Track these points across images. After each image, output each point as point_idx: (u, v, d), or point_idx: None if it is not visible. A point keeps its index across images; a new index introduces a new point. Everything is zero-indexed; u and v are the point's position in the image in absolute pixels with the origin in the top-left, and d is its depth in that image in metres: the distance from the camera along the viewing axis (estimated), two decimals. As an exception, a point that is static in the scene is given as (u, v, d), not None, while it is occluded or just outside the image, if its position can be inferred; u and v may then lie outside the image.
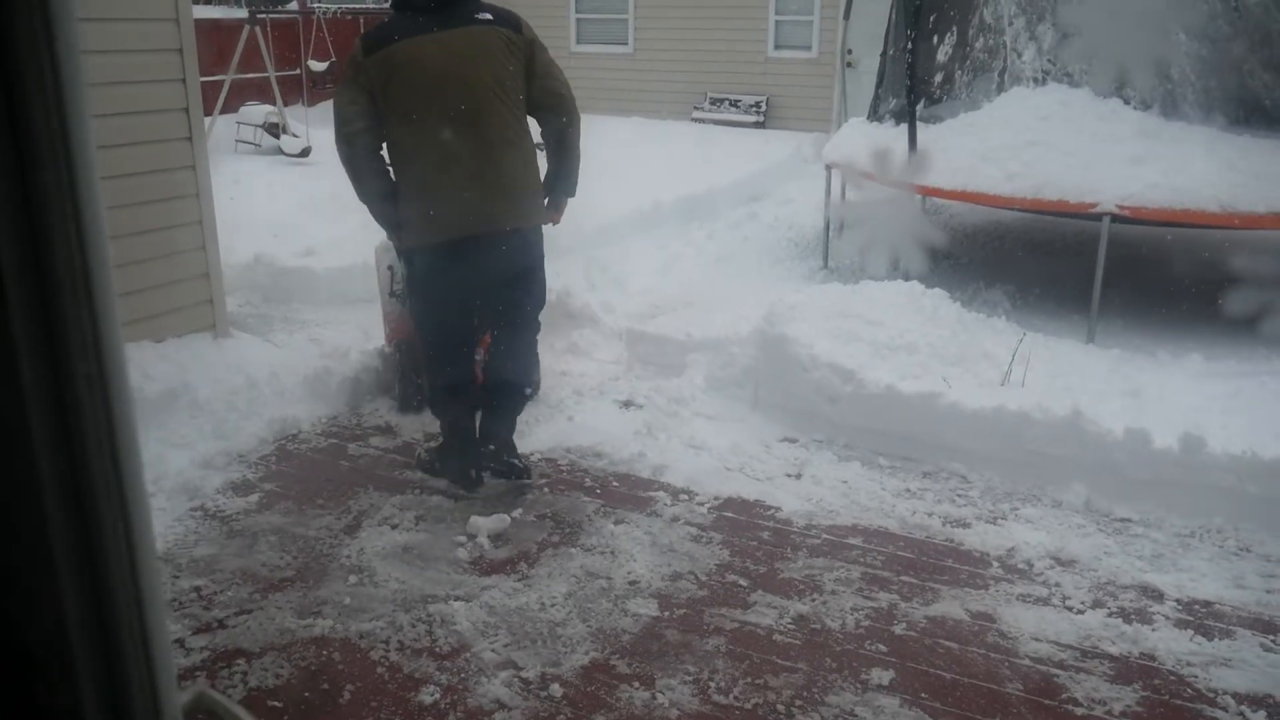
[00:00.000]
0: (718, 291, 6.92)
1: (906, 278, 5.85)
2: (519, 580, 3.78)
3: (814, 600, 3.67)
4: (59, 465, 0.62)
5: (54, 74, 0.61)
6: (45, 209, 0.60)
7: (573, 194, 4.48)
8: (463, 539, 4.05)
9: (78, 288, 0.61)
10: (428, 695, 3.12)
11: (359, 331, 6.55)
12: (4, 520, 0.62)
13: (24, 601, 0.62)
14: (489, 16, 4.08)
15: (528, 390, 4.69)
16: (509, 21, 4.13)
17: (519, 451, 4.55)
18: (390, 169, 4.14)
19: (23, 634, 0.62)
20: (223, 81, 12.13)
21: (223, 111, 12.23)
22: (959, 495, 4.52)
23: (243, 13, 14.73)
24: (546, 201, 4.40)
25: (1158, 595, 3.73)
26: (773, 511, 4.33)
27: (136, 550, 0.62)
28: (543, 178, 4.38)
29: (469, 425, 4.47)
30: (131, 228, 5.03)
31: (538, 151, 4.31)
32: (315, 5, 16.15)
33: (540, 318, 4.56)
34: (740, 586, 3.76)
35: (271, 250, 7.43)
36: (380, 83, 3.96)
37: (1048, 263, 7.85)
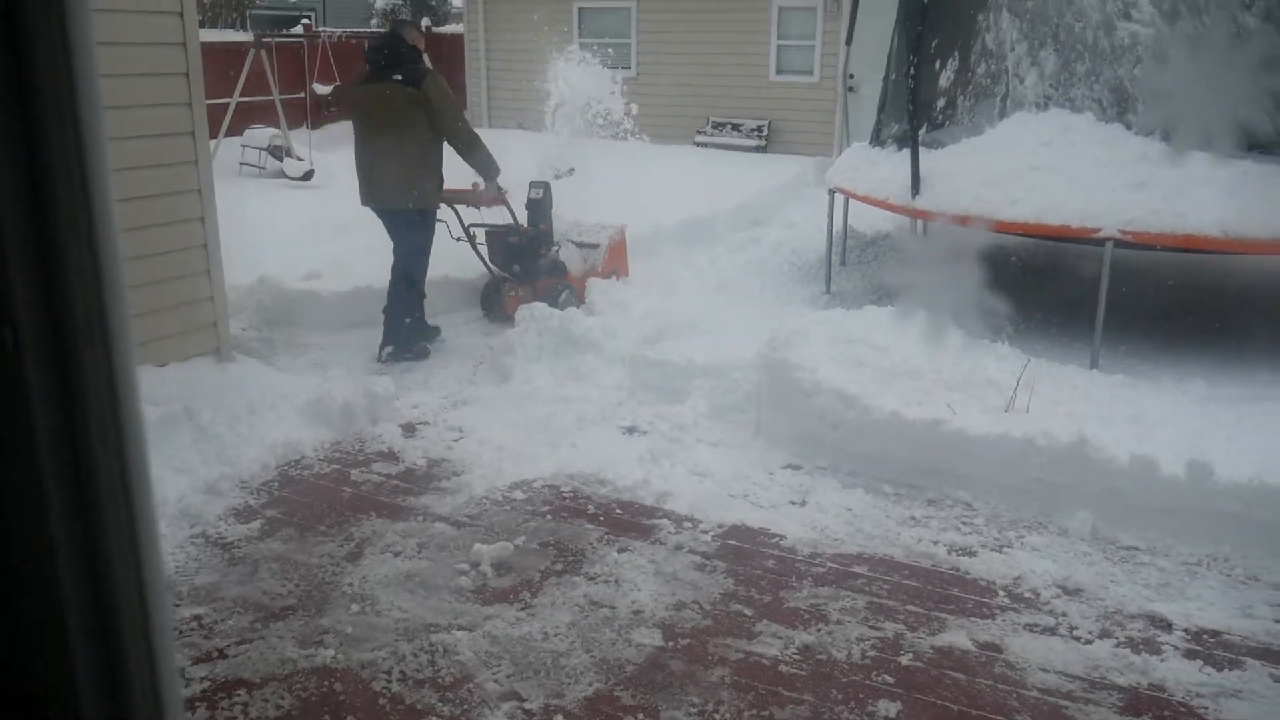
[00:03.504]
0: (720, 316, 6.91)
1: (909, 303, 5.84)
2: (522, 609, 3.76)
3: (819, 630, 3.65)
4: (72, 518, 0.61)
5: (74, 118, 0.61)
6: (62, 258, 0.59)
7: (490, 178, 6.66)
8: (465, 567, 4.03)
9: (94, 334, 0.60)
10: (430, 727, 3.10)
11: (363, 355, 6.55)
12: (16, 571, 0.61)
13: (32, 643, 0.61)
14: (399, 77, 6.21)
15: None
16: (412, 81, 6.19)
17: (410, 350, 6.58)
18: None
19: (31, 678, 0.61)
20: (228, 104, 12.19)
21: (227, 134, 12.28)
22: (964, 523, 4.50)
23: (248, 36, 14.81)
24: (477, 185, 6.75)
25: (1166, 625, 3.71)
26: (777, 539, 4.31)
27: (150, 616, 0.61)
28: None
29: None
30: (136, 251, 5.03)
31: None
32: (320, 30, 16.24)
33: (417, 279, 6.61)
34: (745, 616, 3.73)
35: (275, 273, 7.43)
36: (349, 110, 6.71)
37: (1050, 287, 7.85)
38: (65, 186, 0.60)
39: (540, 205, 7.19)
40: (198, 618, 3.67)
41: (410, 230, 6.46)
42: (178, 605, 3.74)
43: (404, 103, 6.19)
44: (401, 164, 6.26)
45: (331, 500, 4.64)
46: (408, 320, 6.60)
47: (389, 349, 6.55)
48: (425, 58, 6.48)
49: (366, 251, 7.70)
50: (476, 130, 6.73)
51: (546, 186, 7.29)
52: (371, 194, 6.43)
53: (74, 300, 0.60)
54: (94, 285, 0.61)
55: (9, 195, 0.57)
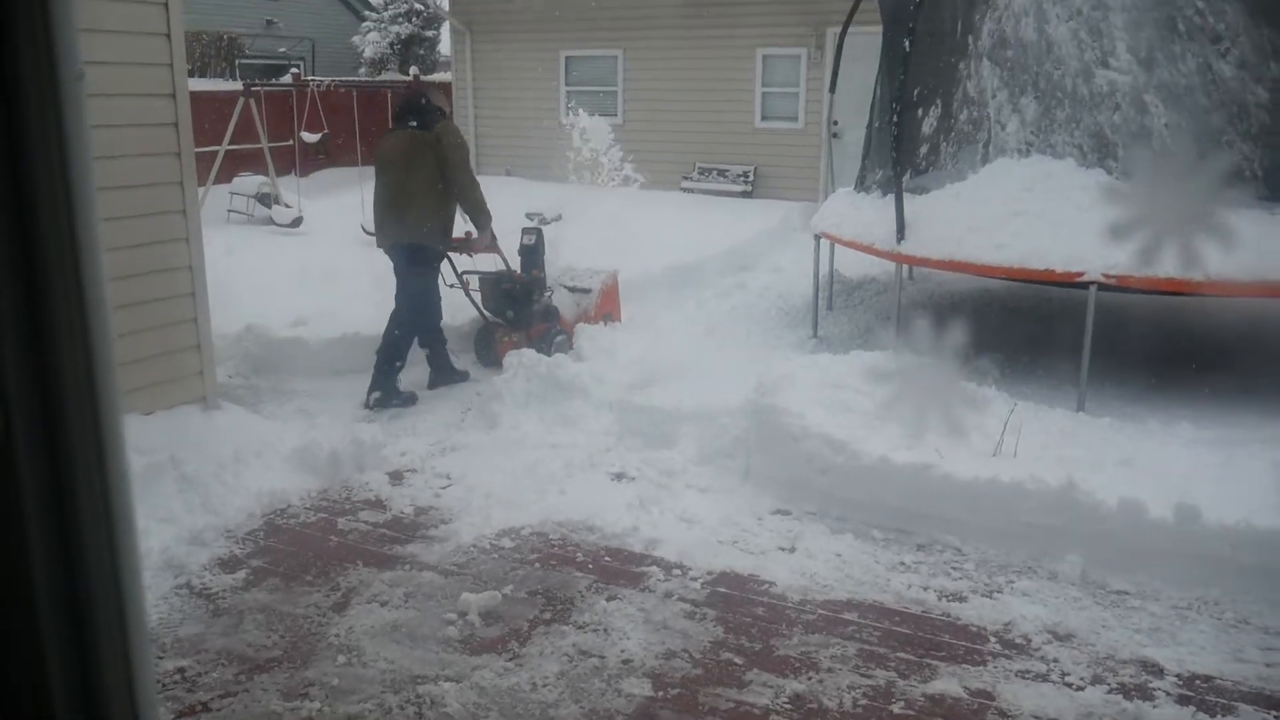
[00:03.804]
0: (708, 361, 6.92)
1: (896, 348, 5.87)
2: (510, 659, 3.72)
3: (810, 678, 3.62)
4: (59, 591, 0.61)
5: (65, 186, 0.61)
6: (53, 337, 0.59)
7: (483, 226, 6.80)
8: (453, 616, 3.99)
9: (84, 409, 0.60)
10: (417, 781, 3.05)
11: (349, 402, 6.53)
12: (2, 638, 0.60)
13: (15, 705, 0.61)
14: (415, 124, 6.58)
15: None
16: (426, 126, 6.56)
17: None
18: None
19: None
20: (216, 152, 12.24)
21: (215, 182, 12.32)
22: (954, 568, 4.48)
23: (238, 86, 14.92)
24: (470, 233, 6.92)
25: (1157, 670, 3.69)
26: (767, 586, 4.29)
27: (134, 673, 0.61)
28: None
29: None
30: (123, 299, 5.03)
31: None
32: (309, 79, 16.38)
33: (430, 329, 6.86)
34: (735, 665, 3.70)
35: (262, 320, 7.43)
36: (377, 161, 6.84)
37: (1035, 330, 7.89)
38: (56, 254, 0.60)
39: (534, 251, 7.24)
40: (181, 670, 3.62)
41: (414, 266, 6.63)
42: (161, 658, 3.69)
43: (418, 146, 6.53)
44: (413, 202, 6.54)
45: (318, 549, 4.60)
46: (399, 365, 6.71)
47: (376, 394, 6.56)
48: (446, 112, 6.83)
49: (354, 298, 7.72)
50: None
51: (539, 233, 7.35)
52: (384, 231, 6.67)
53: (64, 370, 0.60)
54: (83, 351, 0.61)
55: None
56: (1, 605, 0.61)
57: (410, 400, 6.62)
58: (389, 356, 6.61)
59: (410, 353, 6.78)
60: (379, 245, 6.75)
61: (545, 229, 7.65)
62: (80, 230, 0.59)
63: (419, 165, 6.54)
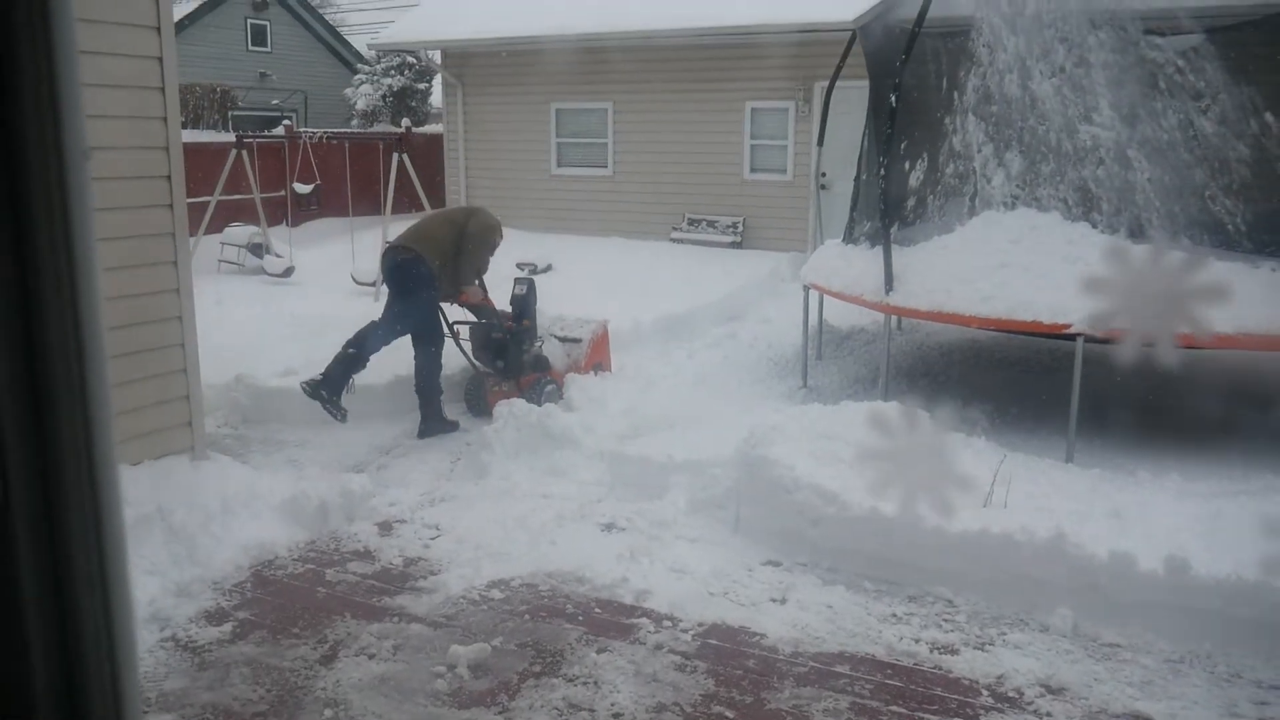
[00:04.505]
0: (698, 411, 6.94)
1: (885, 398, 5.89)
2: (499, 713, 3.68)
3: (802, 732, 3.58)
4: (49, 622, 0.61)
5: (67, 245, 0.62)
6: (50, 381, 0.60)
7: (469, 281, 7.13)
8: (442, 669, 3.95)
9: (80, 460, 0.61)
10: (404, 839, 3.00)
11: (338, 452, 6.51)
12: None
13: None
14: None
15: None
16: (465, 213, 7.47)
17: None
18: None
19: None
20: (208, 203, 12.30)
21: (207, 232, 12.37)
22: (945, 620, 4.47)
23: (230, 137, 15.03)
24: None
25: (1151, 724, 3.67)
26: (757, 638, 4.26)
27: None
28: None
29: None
30: (114, 350, 5.02)
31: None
32: (301, 130, 16.52)
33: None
34: (727, 718, 3.67)
35: (252, 370, 7.42)
36: None
37: (1024, 381, 7.94)
38: (56, 309, 0.61)
39: (525, 301, 7.28)
40: (165, 726, 3.57)
41: (408, 284, 6.91)
42: (146, 711, 3.64)
43: (455, 213, 7.66)
44: (429, 238, 7.03)
45: (305, 601, 4.56)
46: (439, 396, 7.12)
47: (423, 426, 7.00)
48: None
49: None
50: None
51: (531, 283, 7.39)
52: (386, 254, 7.23)
53: (61, 435, 0.61)
54: (81, 412, 0.61)
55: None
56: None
57: (454, 426, 7.09)
58: (425, 391, 6.96)
59: (406, 398, 6.90)
60: (381, 265, 7.29)
61: (536, 279, 7.71)
62: (83, 305, 0.60)
63: (446, 222, 7.28)
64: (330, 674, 3.93)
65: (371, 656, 4.07)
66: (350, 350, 6.78)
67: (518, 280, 7.42)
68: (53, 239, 0.57)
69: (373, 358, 6.94)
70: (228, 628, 4.28)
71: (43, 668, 0.59)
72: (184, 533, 4.83)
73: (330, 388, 6.72)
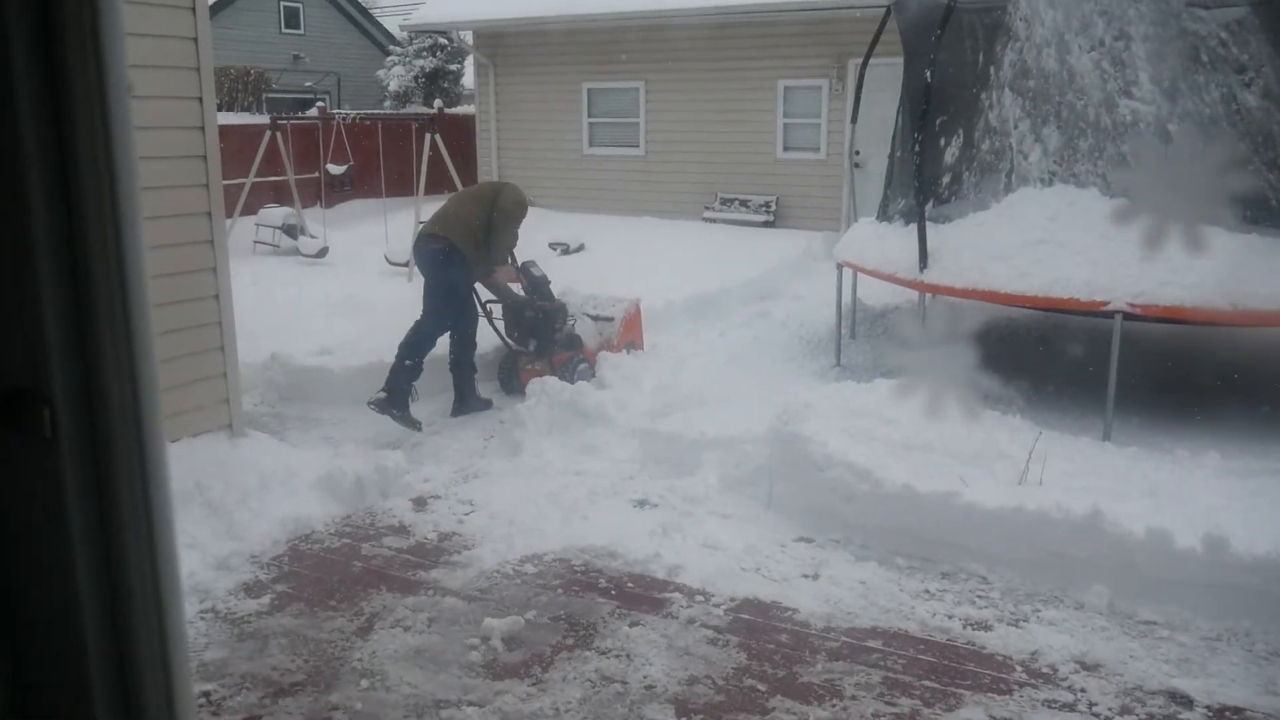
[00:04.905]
0: (730, 389, 6.93)
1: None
2: (533, 684, 3.71)
3: (834, 706, 3.59)
4: (101, 588, 0.62)
5: (114, 209, 0.63)
6: (97, 336, 0.61)
7: (500, 261, 7.12)
8: (476, 641, 3.99)
9: (127, 412, 0.62)
10: (440, 806, 3.04)
11: (374, 430, 6.57)
12: (44, 642, 0.62)
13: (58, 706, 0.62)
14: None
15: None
16: (492, 188, 7.45)
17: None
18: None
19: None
20: (243, 184, 12.40)
21: (242, 213, 12.48)
22: (979, 596, 4.45)
23: (265, 119, 15.13)
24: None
25: (1187, 701, 3.64)
26: (790, 613, 4.26)
27: (173, 686, 0.62)
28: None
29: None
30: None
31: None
32: (334, 112, 16.59)
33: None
34: (759, 691, 3.68)
35: (288, 349, 7.50)
36: None
37: (1060, 359, 7.85)
38: (101, 266, 0.62)
39: (539, 281, 7.31)
40: (206, 694, 3.63)
41: (456, 280, 6.91)
42: (186, 682, 3.70)
43: (485, 189, 7.68)
44: (459, 219, 7.01)
45: (342, 575, 4.62)
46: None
47: (457, 405, 7.08)
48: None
49: (378, 328, 7.78)
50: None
51: (536, 263, 7.49)
52: (419, 243, 7.22)
53: (109, 381, 0.62)
54: (128, 365, 0.62)
55: (49, 279, 0.59)
56: (48, 616, 0.62)
57: (487, 405, 7.14)
58: (459, 370, 7.05)
59: (439, 377, 6.91)
60: (414, 254, 7.28)
61: (569, 258, 7.74)
62: (129, 262, 0.61)
63: (473, 200, 7.23)
64: (366, 645, 3.98)
65: (407, 629, 4.11)
66: (407, 362, 6.72)
67: (528, 262, 7.47)
68: (97, 176, 0.58)
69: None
70: (266, 600, 4.35)
71: (95, 645, 0.60)
72: (222, 508, 4.90)
73: (397, 403, 6.65)
